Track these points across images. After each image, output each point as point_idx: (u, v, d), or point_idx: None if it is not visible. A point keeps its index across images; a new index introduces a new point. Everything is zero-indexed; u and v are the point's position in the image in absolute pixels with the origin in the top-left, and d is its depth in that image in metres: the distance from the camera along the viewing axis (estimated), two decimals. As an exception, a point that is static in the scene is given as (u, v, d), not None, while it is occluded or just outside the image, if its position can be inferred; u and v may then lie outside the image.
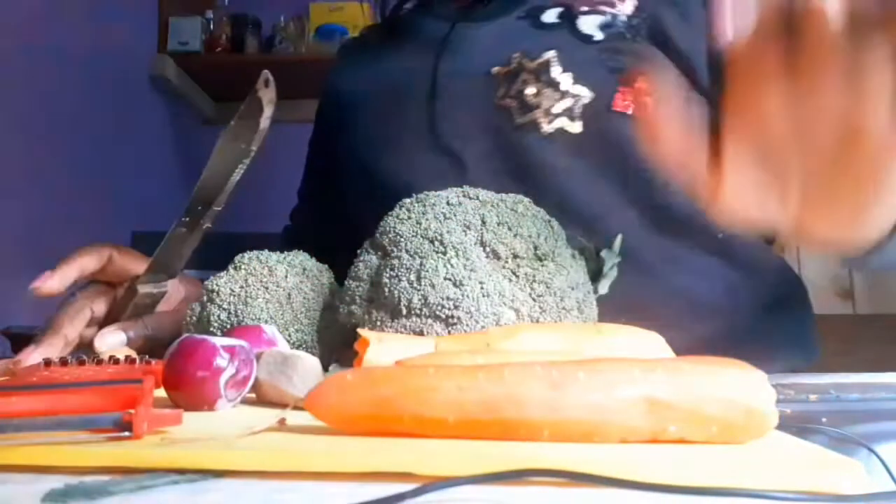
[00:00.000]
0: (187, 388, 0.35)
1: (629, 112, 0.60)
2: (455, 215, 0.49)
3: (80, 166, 1.50)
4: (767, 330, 0.64)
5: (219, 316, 0.52)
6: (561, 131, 0.61)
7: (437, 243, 0.47)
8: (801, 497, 0.22)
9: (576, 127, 0.61)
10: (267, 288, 0.53)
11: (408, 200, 0.51)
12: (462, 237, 0.48)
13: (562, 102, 0.61)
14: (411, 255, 0.47)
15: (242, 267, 0.54)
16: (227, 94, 2.07)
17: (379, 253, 0.50)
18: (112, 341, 0.54)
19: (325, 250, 0.59)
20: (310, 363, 0.38)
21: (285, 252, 0.56)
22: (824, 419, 0.42)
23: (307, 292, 0.54)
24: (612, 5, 0.64)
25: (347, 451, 0.26)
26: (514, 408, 0.27)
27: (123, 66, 1.71)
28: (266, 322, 0.51)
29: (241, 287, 0.53)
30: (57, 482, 0.23)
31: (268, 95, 0.52)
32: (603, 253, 0.55)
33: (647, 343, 0.45)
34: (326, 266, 0.56)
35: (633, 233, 0.61)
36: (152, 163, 1.83)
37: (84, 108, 1.52)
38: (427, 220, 0.49)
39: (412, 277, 0.46)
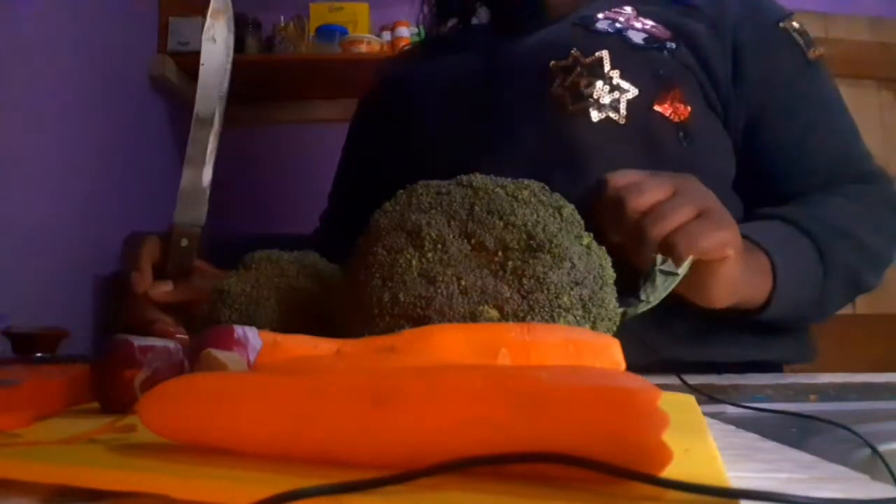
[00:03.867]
0: (104, 390, 0.34)
1: (666, 115, 0.69)
2: (441, 205, 0.45)
3: (80, 166, 1.50)
4: (763, 325, 0.65)
5: (229, 317, 0.50)
6: (607, 120, 0.68)
7: (413, 236, 0.44)
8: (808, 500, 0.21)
9: (620, 118, 0.68)
10: (279, 289, 0.51)
11: (401, 192, 0.49)
12: (443, 228, 0.44)
13: (610, 95, 0.68)
14: (387, 251, 0.44)
15: (253, 266, 0.53)
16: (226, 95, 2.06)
17: (362, 250, 0.47)
18: (161, 289, 0.65)
19: None
20: (241, 367, 0.35)
21: (296, 252, 0.55)
22: (824, 419, 0.42)
23: (319, 294, 0.51)
24: (654, 34, 0.72)
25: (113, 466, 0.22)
26: (327, 428, 0.22)
27: (123, 66, 1.70)
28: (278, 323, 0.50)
29: (253, 287, 0.51)
30: None
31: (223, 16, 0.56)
32: (660, 265, 0.49)
33: (585, 344, 0.37)
34: (337, 266, 0.55)
35: None
36: (152, 163, 1.83)
37: (84, 108, 1.52)
38: (410, 211, 0.45)
39: (385, 274, 0.43)
